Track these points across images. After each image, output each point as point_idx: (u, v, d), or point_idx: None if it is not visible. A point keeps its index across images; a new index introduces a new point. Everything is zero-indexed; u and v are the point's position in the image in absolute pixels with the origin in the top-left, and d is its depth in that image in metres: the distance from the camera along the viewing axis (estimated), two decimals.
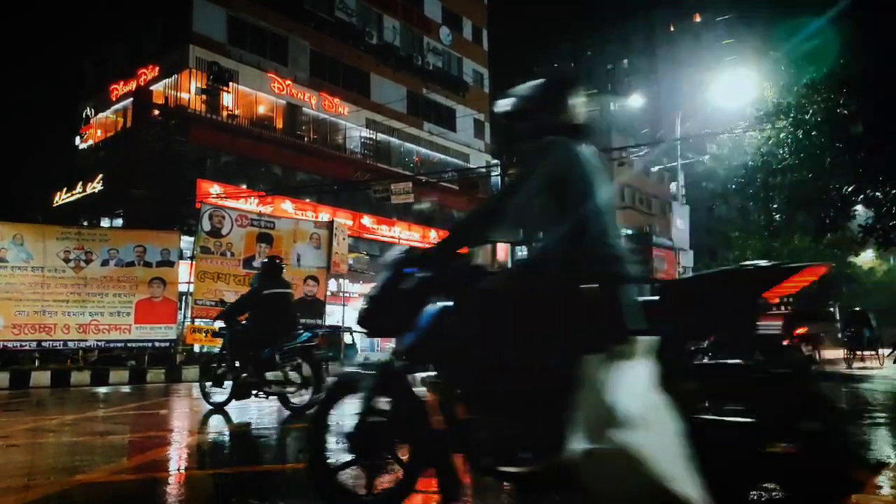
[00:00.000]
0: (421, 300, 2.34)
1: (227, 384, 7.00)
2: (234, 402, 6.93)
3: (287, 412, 6.65)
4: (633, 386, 1.82)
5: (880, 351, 17.15)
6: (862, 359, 17.20)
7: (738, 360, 1.97)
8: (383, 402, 2.44)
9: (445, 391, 2.28)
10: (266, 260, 7.83)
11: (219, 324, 7.21)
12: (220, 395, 7.09)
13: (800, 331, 7.93)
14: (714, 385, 1.97)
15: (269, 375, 6.57)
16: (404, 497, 2.44)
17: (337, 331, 19.69)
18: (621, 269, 2.11)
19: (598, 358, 1.88)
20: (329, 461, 2.54)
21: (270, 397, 6.90)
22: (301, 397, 6.70)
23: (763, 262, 2.00)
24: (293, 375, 6.64)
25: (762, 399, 1.87)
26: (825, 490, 1.77)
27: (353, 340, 21.82)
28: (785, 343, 7.75)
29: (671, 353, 1.98)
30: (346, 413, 2.54)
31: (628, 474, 1.73)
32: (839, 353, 17.17)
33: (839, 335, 17.72)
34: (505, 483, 2.27)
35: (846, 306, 22.41)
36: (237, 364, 6.87)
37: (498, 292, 2.23)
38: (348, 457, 2.46)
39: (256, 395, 6.79)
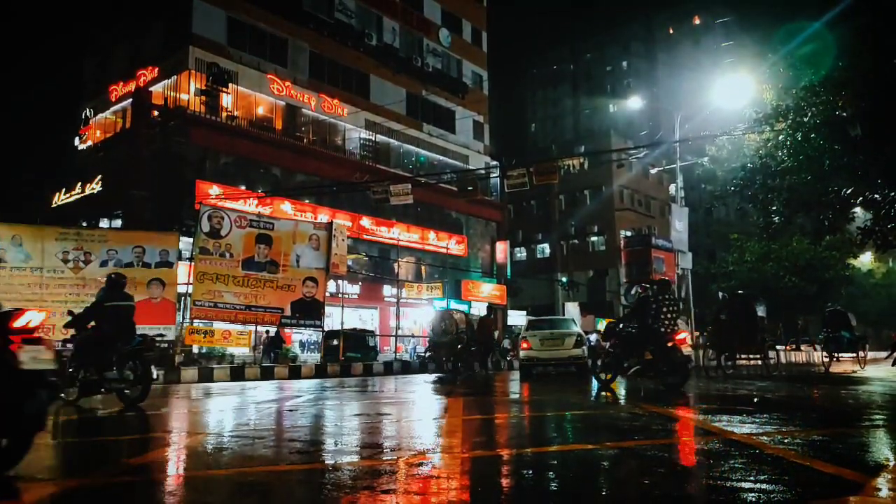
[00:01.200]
0: None
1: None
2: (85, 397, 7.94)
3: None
4: None
5: (860, 354, 16.30)
6: (838, 360, 16.48)
7: None
8: None
9: None
10: (112, 276, 8.66)
11: (72, 331, 8.17)
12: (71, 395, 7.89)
13: (680, 335, 9.37)
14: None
15: (110, 374, 7.73)
16: None
17: (365, 334, 22.09)
18: None
19: None
20: None
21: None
22: (135, 391, 7.85)
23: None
24: (128, 374, 7.82)
25: None
26: None
27: (374, 343, 22.41)
28: (670, 345, 9.17)
29: None
30: None
31: None
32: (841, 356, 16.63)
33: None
34: None
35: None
36: (83, 365, 7.82)
37: None
38: None
39: (101, 392, 7.86)
